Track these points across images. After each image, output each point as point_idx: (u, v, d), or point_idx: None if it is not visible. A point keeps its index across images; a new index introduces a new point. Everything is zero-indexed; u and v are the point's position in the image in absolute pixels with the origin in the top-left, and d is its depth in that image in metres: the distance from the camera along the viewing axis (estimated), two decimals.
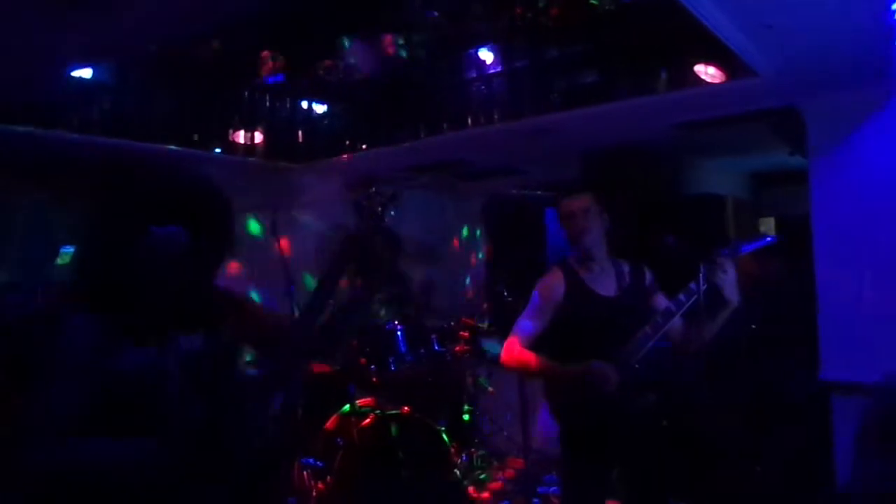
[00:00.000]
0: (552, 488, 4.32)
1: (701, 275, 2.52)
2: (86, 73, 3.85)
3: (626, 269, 2.81)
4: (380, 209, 1.82)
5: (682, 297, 2.57)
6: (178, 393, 1.58)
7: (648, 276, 2.83)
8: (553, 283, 2.74)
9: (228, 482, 1.55)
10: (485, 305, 5.90)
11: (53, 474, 1.45)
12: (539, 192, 7.72)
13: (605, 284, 2.74)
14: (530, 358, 2.64)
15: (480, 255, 6.88)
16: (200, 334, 1.67)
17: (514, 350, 2.68)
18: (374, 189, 1.85)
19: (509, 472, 4.72)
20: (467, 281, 6.53)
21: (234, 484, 1.56)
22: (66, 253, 4.02)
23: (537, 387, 4.49)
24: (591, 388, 2.49)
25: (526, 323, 2.74)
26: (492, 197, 7.14)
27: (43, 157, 3.84)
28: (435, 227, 6.09)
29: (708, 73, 3.89)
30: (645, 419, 2.64)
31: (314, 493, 3.59)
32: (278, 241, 4.18)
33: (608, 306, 2.69)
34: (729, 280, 2.51)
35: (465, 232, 6.77)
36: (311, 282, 4.97)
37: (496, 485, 4.52)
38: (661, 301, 2.76)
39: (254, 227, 4.97)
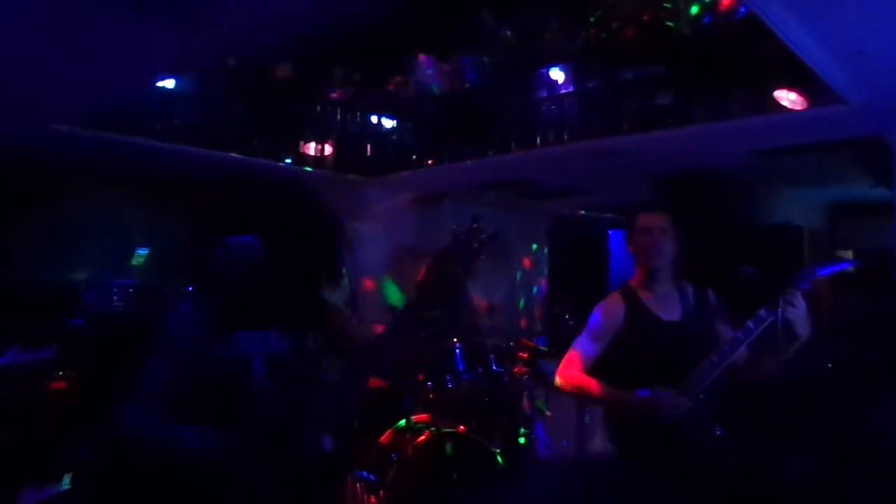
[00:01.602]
0: None
1: (774, 304, 2.41)
2: (169, 83, 4.00)
3: (690, 292, 2.70)
4: (477, 245, 1.82)
5: (750, 324, 2.44)
6: (259, 390, 1.64)
7: (714, 300, 2.71)
8: (613, 307, 2.65)
9: (295, 484, 1.58)
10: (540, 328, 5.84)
11: (146, 448, 1.54)
12: (605, 215, 7.61)
13: (669, 308, 2.64)
14: (588, 382, 2.56)
15: (545, 275, 6.81)
16: (289, 337, 1.72)
17: (570, 373, 2.61)
18: (475, 225, 1.86)
19: None
20: (529, 301, 6.45)
21: (300, 486, 1.58)
22: (141, 255, 4.17)
23: (596, 413, 4.41)
24: (654, 416, 2.39)
25: (583, 346, 2.65)
26: (557, 217, 7.07)
27: (123, 163, 4.01)
28: (498, 246, 6.04)
29: (789, 98, 3.76)
30: (709, 454, 2.52)
31: None
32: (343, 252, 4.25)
33: (671, 331, 2.58)
34: (799, 313, 2.38)
35: (533, 249, 6.71)
36: (393, 292, 5.02)
37: None
38: (726, 329, 2.65)
39: None
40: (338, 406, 1.69)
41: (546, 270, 6.91)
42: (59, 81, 3.01)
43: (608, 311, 2.65)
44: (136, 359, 1.59)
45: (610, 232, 8.78)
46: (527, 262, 6.70)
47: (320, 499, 1.68)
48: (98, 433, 1.61)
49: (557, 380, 2.63)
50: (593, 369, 2.62)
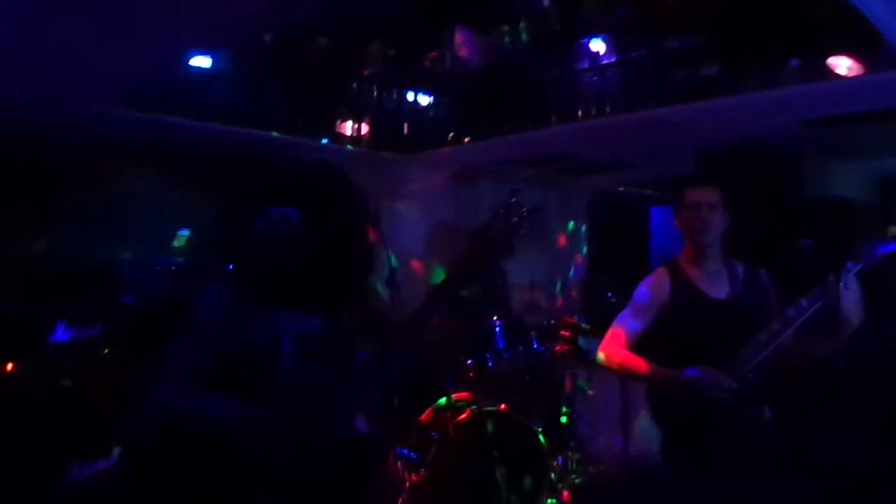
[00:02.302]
0: None
1: (828, 282, 2.30)
2: (204, 62, 3.99)
3: (740, 270, 2.61)
4: (517, 220, 1.74)
5: (804, 303, 2.34)
6: (289, 369, 1.61)
7: (766, 279, 2.62)
8: (658, 282, 2.59)
9: (328, 463, 1.55)
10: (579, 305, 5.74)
11: (179, 420, 1.54)
12: (646, 191, 7.43)
13: (717, 286, 2.56)
14: (632, 359, 2.50)
15: (584, 253, 6.69)
16: (321, 317, 1.69)
17: (613, 349, 2.55)
18: (514, 199, 1.82)
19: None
20: (568, 279, 6.36)
21: (333, 466, 1.56)
22: (183, 236, 4.20)
23: (639, 392, 4.33)
24: (700, 394, 2.32)
25: (627, 321, 2.60)
26: (596, 194, 6.93)
27: (163, 143, 4.02)
28: (536, 223, 5.95)
29: (844, 65, 3.58)
30: (758, 435, 2.44)
31: (407, 485, 3.58)
32: (378, 232, 4.22)
33: (719, 309, 2.51)
34: (852, 297, 2.27)
35: (570, 228, 6.60)
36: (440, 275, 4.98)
37: None
38: (778, 309, 2.55)
39: None
40: (374, 386, 1.67)
41: (585, 248, 6.79)
42: (96, 61, 3.01)
43: (654, 287, 2.59)
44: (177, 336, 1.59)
45: (652, 209, 8.62)
46: (564, 240, 6.59)
47: (356, 478, 1.66)
48: (137, 408, 1.60)
49: (600, 355, 2.58)
50: (637, 346, 2.56)
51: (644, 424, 4.47)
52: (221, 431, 1.52)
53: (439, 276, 4.91)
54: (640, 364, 2.49)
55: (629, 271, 7.01)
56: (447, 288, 1.76)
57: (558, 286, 6.21)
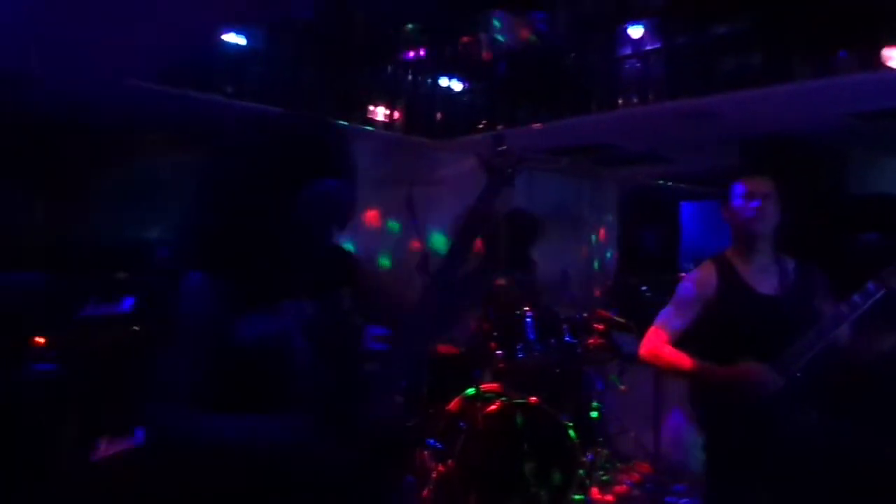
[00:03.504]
0: (682, 500, 4.02)
1: (881, 276, 2.18)
2: (240, 40, 3.94)
3: (790, 266, 2.49)
4: (510, 170, 1.65)
5: (856, 298, 2.22)
6: (307, 365, 1.45)
7: (819, 278, 2.50)
8: (704, 277, 2.47)
9: (357, 460, 1.41)
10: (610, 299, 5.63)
11: (185, 447, 1.35)
12: (679, 185, 7.30)
13: (766, 281, 2.44)
14: (675, 354, 2.40)
15: (615, 247, 6.58)
16: (318, 300, 1.52)
17: (657, 345, 2.45)
18: (504, 148, 1.70)
19: (635, 476, 4.45)
20: (599, 273, 6.25)
21: (362, 461, 1.42)
22: None
23: (671, 389, 4.22)
24: (745, 391, 2.22)
25: (671, 316, 2.49)
26: (628, 186, 6.81)
27: (196, 120, 3.98)
28: (568, 214, 5.85)
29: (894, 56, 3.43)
30: (805, 438, 2.33)
31: (434, 475, 3.51)
32: (414, 217, 4.14)
33: (767, 305, 2.39)
34: None
35: (602, 221, 6.49)
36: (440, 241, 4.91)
37: (621, 488, 4.27)
38: (830, 307, 2.43)
39: (393, 226, 4.93)
40: (395, 374, 1.50)
41: (617, 241, 6.67)
42: (131, 35, 2.97)
43: (700, 281, 2.48)
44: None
45: (682, 204, 8.47)
46: (596, 233, 6.48)
47: (389, 471, 1.52)
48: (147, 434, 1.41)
49: (642, 351, 2.48)
50: (680, 342, 2.46)
51: (675, 422, 4.37)
52: (248, 454, 1.35)
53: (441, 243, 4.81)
54: (684, 360, 2.39)
55: (659, 266, 6.93)
56: (450, 262, 1.59)
57: (589, 278, 6.10)
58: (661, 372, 2.52)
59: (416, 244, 4.54)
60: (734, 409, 2.30)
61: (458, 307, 1.72)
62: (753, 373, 2.22)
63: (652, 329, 2.49)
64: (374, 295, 1.71)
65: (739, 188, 2.44)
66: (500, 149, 1.68)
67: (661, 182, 7.01)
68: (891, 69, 3.33)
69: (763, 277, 2.44)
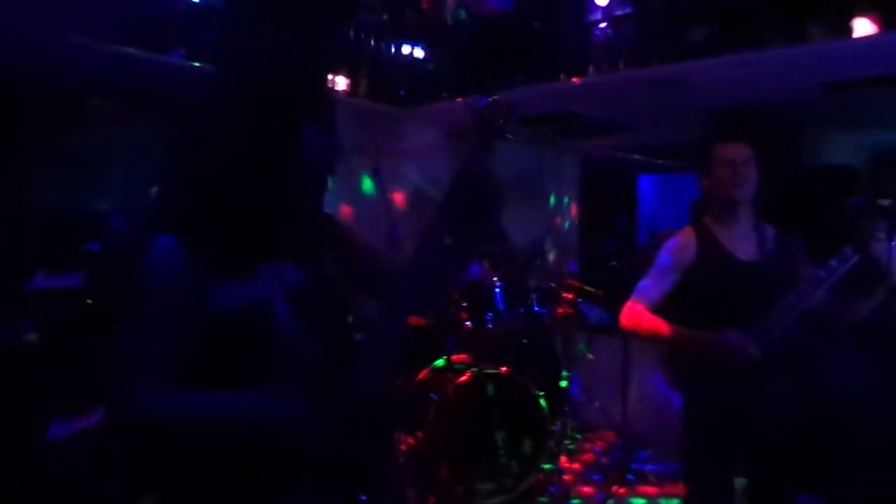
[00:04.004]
0: (648, 466, 4.08)
1: (861, 242, 2.19)
2: None
3: (770, 234, 2.49)
4: (501, 121, 1.52)
5: (833, 263, 2.23)
6: (291, 334, 1.33)
7: (798, 245, 2.51)
8: (684, 242, 2.46)
9: (347, 435, 1.30)
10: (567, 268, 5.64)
11: (157, 426, 1.23)
12: (637, 157, 7.32)
13: (746, 248, 2.44)
14: (657, 322, 2.38)
15: (567, 218, 6.58)
16: (301, 266, 1.40)
17: (638, 313, 2.43)
18: (495, 97, 1.60)
19: (600, 445, 4.49)
20: (561, 243, 6.25)
21: (352, 436, 1.31)
22: None
23: (637, 358, 4.26)
24: (725, 359, 2.21)
25: (651, 285, 2.47)
26: (589, 158, 6.80)
27: (147, 83, 3.76)
28: (531, 184, 5.81)
29: (866, 26, 3.45)
30: (781, 401, 2.35)
31: (403, 448, 3.46)
32: (381, 186, 4.04)
33: (747, 271, 2.39)
34: (885, 252, 2.17)
35: (559, 192, 6.47)
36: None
37: (588, 457, 4.31)
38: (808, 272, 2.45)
39: (367, 184, 4.78)
40: (383, 345, 1.38)
41: (576, 213, 6.68)
42: None
43: (680, 247, 2.46)
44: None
45: (640, 177, 8.53)
46: (556, 204, 6.47)
47: (375, 447, 1.40)
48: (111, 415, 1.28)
49: (622, 317, 2.45)
50: (659, 309, 2.45)
51: (644, 389, 4.41)
52: (231, 432, 1.24)
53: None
54: (663, 327, 2.37)
55: (618, 238, 6.97)
56: (441, 225, 1.50)
57: (552, 249, 6.09)
58: (640, 340, 2.49)
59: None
60: (713, 376, 2.29)
61: (449, 275, 1.61)
62: (734, 341, 2.21)
63: (633, 297, 2.47)
64: (362, 262, 1.61)
65: (718, 154, 2.41)
66: (492, 98, 1.56)
67: (620, 154, 7.02)
68: (860, 37, 3.34)
69: (742, 244, 2.44)
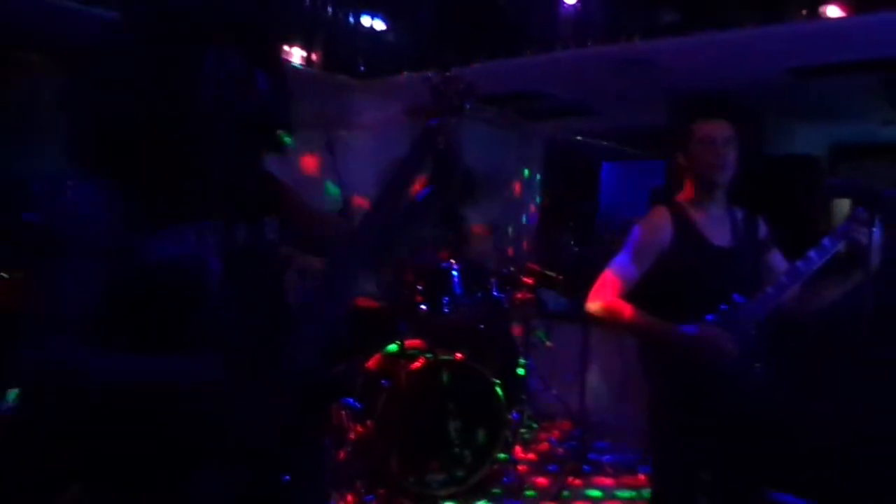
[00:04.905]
0: (605, 457, 3.98)
1: (837, 231, 2.10)
2: None
3: (740, 217, 2.38)
4: (459, 98, 1.49)
5: (812, 254, 2.14)
6: (223, 296, 1.22)
7: (763, 228, 2.41)
8: (659, 224, 2.30)
9: (275, 408, 1.19)
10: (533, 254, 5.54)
11: (74, 388, 1.11)
12: (602, 143, 7.24)
13: (719, 232, 2.32)
14: (628, 309, 2.23)
15: (535, 202, 6.46)
16: (239, 225, 1.29)
17: (608, 299, 2.26)
18: (452, 72, 1.52)
19: (556, 434, 4.39)
20: (523, 227, 6.13)
21: (280, 410, 1.20)
22: None
23: (596, 346, 4.16)
24: (704, 353, 2.09)
25: (623, 267, 2.31)
26: (553, 142, 6.69)
27: (77, 37, 3.46)
28: (494, 166, 5.65)
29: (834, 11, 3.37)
30: (753, 391, 2.25)
31: (352, 436, 3.28)
32: (335, 161, 3.81)
33: (721, 257, 2.28)
34: (865, 244, 2.07)
35: (522, 175, 6.34)
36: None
37: (544, 446, 4.19)
38: (776, 258, 2.35)
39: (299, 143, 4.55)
40: (323, 314, 1.29)
41: (539, 196, 6.56)
42: None
43: (654, 228, 2.31)
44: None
45: (604, 163, 8.48)
46: (519, 187, 6.34)
47: (308, 427, 1.31)
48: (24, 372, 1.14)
49: (591, 304, 2.29)
50: (629, 295, 2.30)
51: (603, 377, 4.32)
52: (147, 398, 1.12)
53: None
54: (636, 316, 2.22)
55: (580, 223, 6.90)
56: (393, 188, 1.40)
57: (513, 233, 5.97)
58: (611, 326, 2.34)
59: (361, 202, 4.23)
60: (687, 368, 2.18)
61: (396, 242, 1.54)
62: (714, 336, 2.09)
63: (602, 280, 2.30)
64: (306, 225, 1.49)
65: (697, 132, 2.27)
66: (449, 74, 1.52)
67: (584, 139, 6.92)
68: (829, 20, 3.25)
69: (717, 228, 2.32)
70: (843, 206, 6.31)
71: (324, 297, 1.30)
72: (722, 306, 2.14)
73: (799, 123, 5.89)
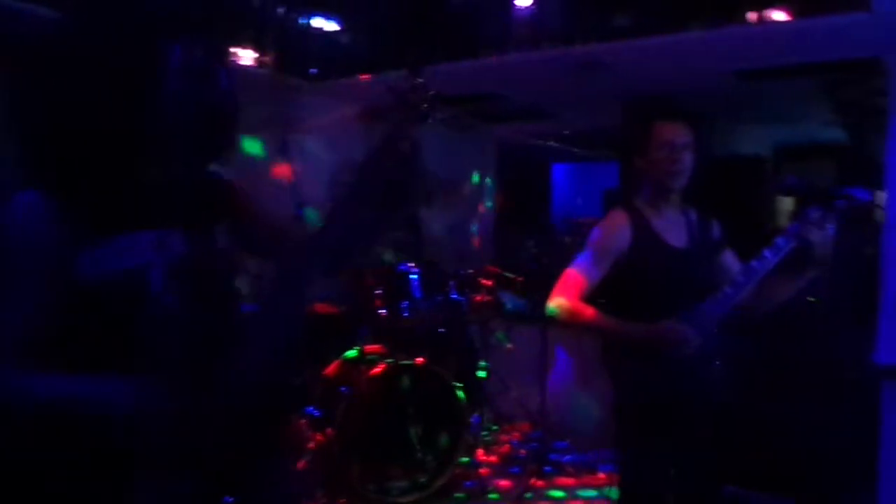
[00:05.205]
0: (565, 456, 4.00)
1: (790, 231, 2.15)
2: None
3: (694, 217, 2.42)
4: (426, 105, 1.43)
5: (767, 253, 2.18)
6: (169, 311, 1.16)
7: (716, 228, 2.45)
8: (618, 225, 2.32)
9: (227, 428, 1.14)
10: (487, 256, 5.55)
11: (8, 411, 1.06)
12: (554, 145, 7.31)
13: (676, 233, 2.35)
14: (590, 312, 2.24)
15: (489, 204, 6.48)
16: (187, 233, 1.23)
17: (570, 300, 2.26)
18: (419, 80, 1.47)
19: (516, 435, 4.39)
20: (478, 230, 6.13)
21: (233, 429, 1.15)
22: None
23: (555, 347, 4.17)
24: (665, 351, 2.11)
25: (586, 267, 2.32)
26: (505, 145, 6.72)
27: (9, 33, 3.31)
28: (449, 168, 5.64)
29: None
30: (713, 389, 2.28)
31: (312, 445, 3.21)
32: (288, 163, 3.75)
33: (679, 259, 2.31)
34: (825, 238, 2.13)
35: (476, 178, 6.34)
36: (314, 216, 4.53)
37: (505, 448, 4.19)
38: (729, 258, 2.40)
39: (253, 146, 4.46)
40: (276, 324, 1.24)
41: (490, 200, 6.58)
42: None
43: (614, 230, 2.32)
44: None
45: (554, 165, 8.57)
46: (473, 190, 6.34)
47: (264, 442, 1.27)
48: None
49: (553, 306, 2.28)
50: (589, 297, 2.31)
51: (564, 378, 4.33)
52: (84, 420, 1.07)
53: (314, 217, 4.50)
54: (598, 317, 2.23)
55: (531, 226, 6.95)
56: (355, 190, 1.36)
57: (469, 236, 5.96)
58: (573, 328, 2.34)
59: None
60: (649, 367, 2.19)
61: (351, 250, 1.47)
62: (674, 333, 2.11)
63: (564, 281, 2.30)
64: (259, 231, 1.43)
65: (657, 135, 2.29)
66: (416, 81, 1.45)
67: (537, 141, 6.98)
68: (775, 23, 3.34)
69: (673, 230, 2.35)
70: (787, 204, 6.54)
71: (276, 305, 1.25)
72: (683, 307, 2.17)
73: (744, 125, 6.05)
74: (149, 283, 1.14)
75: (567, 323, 2.29)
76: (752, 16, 3.39)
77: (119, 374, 1.08)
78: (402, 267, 3.76)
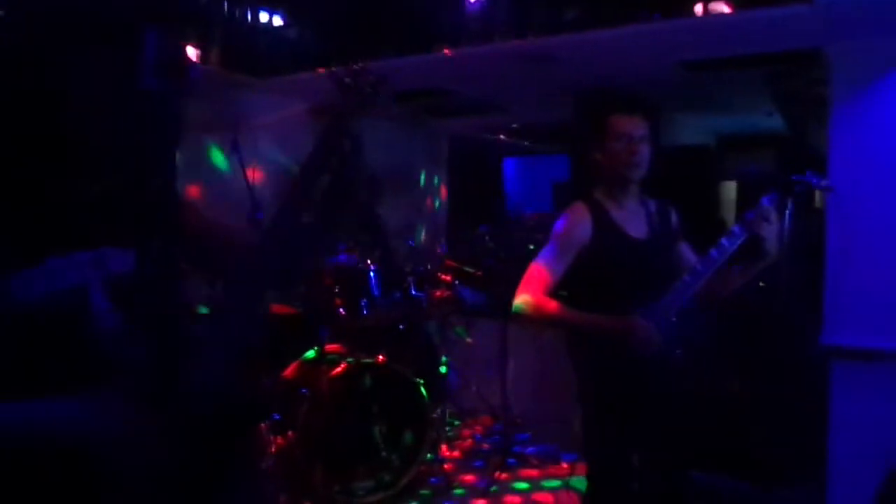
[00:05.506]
0: (528, 448, 4.03)
1: (745, 219, 2.21)
2: None
3: (653, 208, 2.46)
4: (370, 90, 1.43)
5: (724, 242, 2.25)
6: (113, 331, 1.11)
7: (675, 218, 2.50)
8: (580, 219, 2.34)
9: (183, 446, 1.11)
10: (439, 250, 5.54)
11: None
12: (504, 139, 7.34)
13: (636, 225, 2.39)
14: (555, 307, 2.26)
15: (438, 199, 6.47)
16: (128, 249, 1.17)
17: (534, 298, 2.27)
18: (360, 66, 1.47)
19: (478, 429, 4.40)
20: (431, 225, 6.12)
21: (189, 447, 1.12)
22: None
23: (515, 340, 4.19)
24: (630, 344, 2.14)
25: (550, 261, 2.34)
26: (456, 140, 6.72)
27: None
28: (399, 164, 5.61)
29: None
30: (675, 377, 2.32)
31: (272, 450, 3.15)
32: (241, 163, 3.65)
33: (639, 250, 2.35)
34: (773, 229, 2.21)
35: (424, 174, 6.33)
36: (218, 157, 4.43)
37: (468, 443, 4.20)
38: (685, 247, 2.45)
39: (217, 157, 4.35)
40: (228, 337, 1.22)
41: (444, 194, 6.58)
42: None
43: (576, 224, 2.35)
44: None
45: (505, 159, 8.61)
46: (426, 185, 6.33)
47: (226, 454, 1.22)
48: None
49: (518, 303, 2.29)
50: (553, 291, 2.33)
51: (524, 371, 4.36)
52: (25, 449, 1.02)
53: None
54: (564, 312, 2.25)
55: (485, 220, 6.98)
56: (300, 185, 1.32)
57: (423, 231, 5.94)
58: (540, 322, 2.35)
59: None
60: (615, 358, 2.22)
61: (302, 254, 1.47)
62: (639, 327, 2.15)
63: (529, 276, 2.31)
64: (207, 243, 1.38)
65: (613, 128, 2.31)
66: (357, 66, 1.46)
67: (487, 136, 6.99)
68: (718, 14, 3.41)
69: (633, 221, 2.39)
70: (730, 193, 6.72)
71: (228, 320, 1.23)
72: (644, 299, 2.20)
73: (687, 115, 6.18)
74: (88, 304, 1.08)
75: (533, 319, 2.30)
76: (698, 8, 3.48)
77: (66, 396, 1.03)
78: (360, 265, 3.71)
